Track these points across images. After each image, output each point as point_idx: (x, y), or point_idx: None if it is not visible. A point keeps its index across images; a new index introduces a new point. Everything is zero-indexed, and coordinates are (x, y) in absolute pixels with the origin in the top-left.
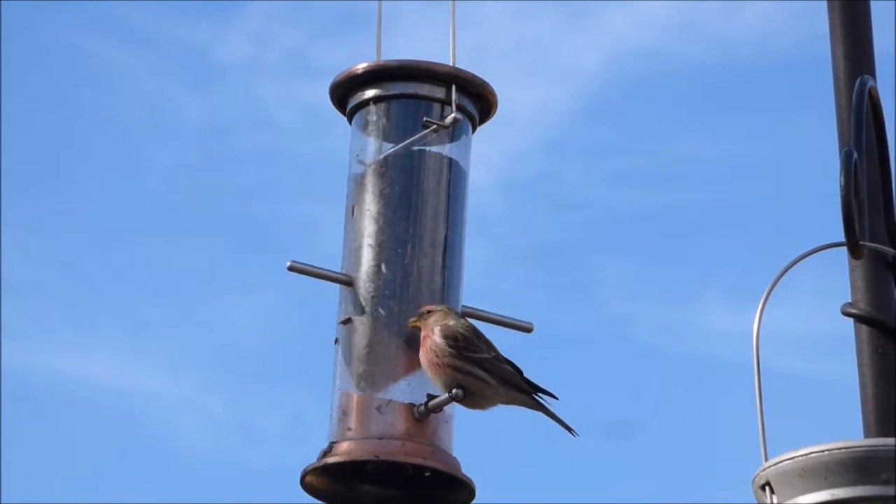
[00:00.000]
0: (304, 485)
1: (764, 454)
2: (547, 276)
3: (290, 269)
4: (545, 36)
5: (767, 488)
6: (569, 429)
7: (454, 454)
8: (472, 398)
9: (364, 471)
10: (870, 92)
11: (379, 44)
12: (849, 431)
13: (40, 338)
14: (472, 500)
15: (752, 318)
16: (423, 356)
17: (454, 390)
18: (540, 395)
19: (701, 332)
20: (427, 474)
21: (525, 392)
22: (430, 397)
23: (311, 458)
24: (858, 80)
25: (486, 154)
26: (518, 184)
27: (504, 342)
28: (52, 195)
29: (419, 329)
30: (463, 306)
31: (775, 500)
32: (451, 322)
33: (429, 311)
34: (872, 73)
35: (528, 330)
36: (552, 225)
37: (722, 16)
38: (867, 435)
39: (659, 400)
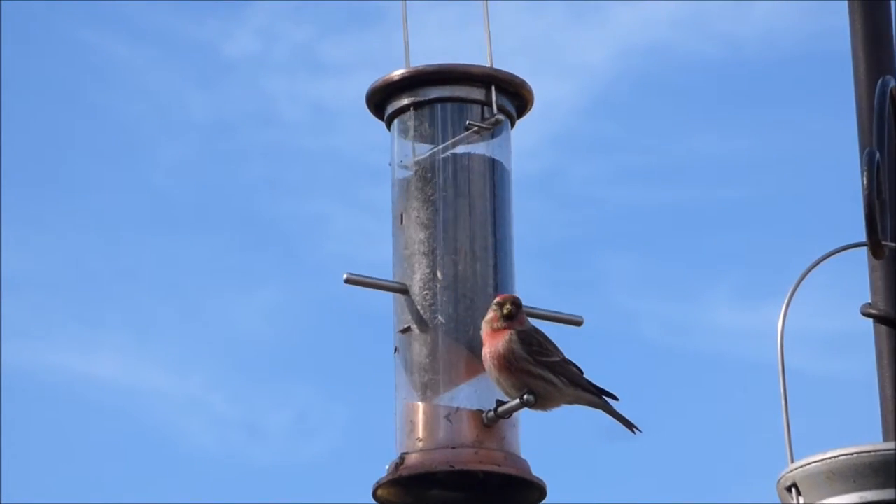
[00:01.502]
0: (376, 498)
1: (790, 455)
2: (553, 272)
3: (347, 281)
4: (553, 32)
5: (794, 490)
6: (630, 426)
7: (523, 456)
8: (541, 402)
9: (435, 479)
10: (891, 92)
11: (406, 46)
12: (867, 431)
13: (45, 335)
14: (543, 499)
15: (761, 315)
16: (493, 359)
17: (526, 396)
18: (604, 396)
19: (708, 330)
20: (480, 477)
21: (590, 392)
22: (500, 403)
23: (315, 456)
24: (880, 80)
25: None
26: (525, 180)
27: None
28: (58, 192)
29: (511, 317)
30: None
31: (802, 502)
32: (527, 327)
33: (514, 305)
34: (893, 74)
35: (578, 323)
36: (558, 221)
37: (730, 12)
38: (886, 435)
39: (665, 398)
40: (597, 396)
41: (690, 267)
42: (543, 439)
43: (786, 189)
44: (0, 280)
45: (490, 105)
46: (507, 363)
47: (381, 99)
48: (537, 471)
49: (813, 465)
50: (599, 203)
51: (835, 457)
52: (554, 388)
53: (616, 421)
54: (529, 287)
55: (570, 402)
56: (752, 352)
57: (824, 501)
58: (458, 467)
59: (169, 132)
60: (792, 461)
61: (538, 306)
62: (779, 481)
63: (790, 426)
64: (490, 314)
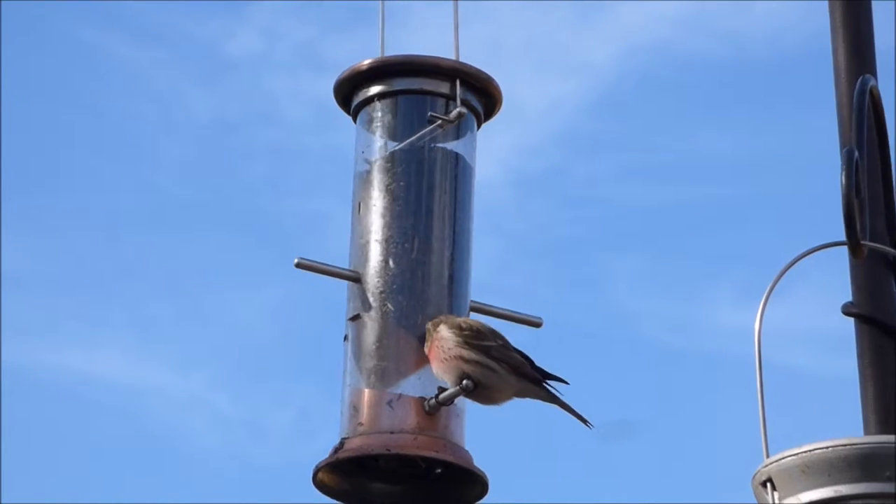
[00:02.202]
0: (316, 482)
1: (765, 450)
2: (556, 271)
3: (298, 265)
4: (557, 31)
5: (769, 485)
6: (584, 421)
7: (466, 448)
8: (483, 391)
9: (376, 467)
10: (871, 91)
11: (382, 40)
12: (849, 429)
13: (47, 334)
14: (484, 494)
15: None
16: (432, 359)
17: (464, 381)
18: (550, 383)
19: (710, 329)
20: (438, 470)
21: (535, 381)
22: (441, 390)
23: (319, 455)
24: (860, 79)
25: (496, 149)
26: (529, 178)
27: (512, 338)
28: (60, 190)
29: (428, 339)
30: (472, 301)
31: (777, 497)
32: (456, 318)
33: (434, 323)
34: (873, 72)
35: (537, 325)
36: (562, 220)
37: (733, 11)
38: (867, 433)
39: (667, 396)
40: (540, 385)
41: (692, 265)
42: (542, 443)
43: (789, 188)
44: (0, 278)
45: (455, 99)
46: (441, 352)
47: (347, 90)
48: (484, 466)
49: (788, 459)
50: (602, 202)
51: (809, 451)
52: (493, 373)
53: (569, 414)
54: (531, 285)
55: (519, 395)
56: (753, 351)
57: (799, 496)
58: (394, 451)
59: (171, 131)
60: (767, 456)
61: (497, 305)
62: (754, 476)
63: (766, 421)
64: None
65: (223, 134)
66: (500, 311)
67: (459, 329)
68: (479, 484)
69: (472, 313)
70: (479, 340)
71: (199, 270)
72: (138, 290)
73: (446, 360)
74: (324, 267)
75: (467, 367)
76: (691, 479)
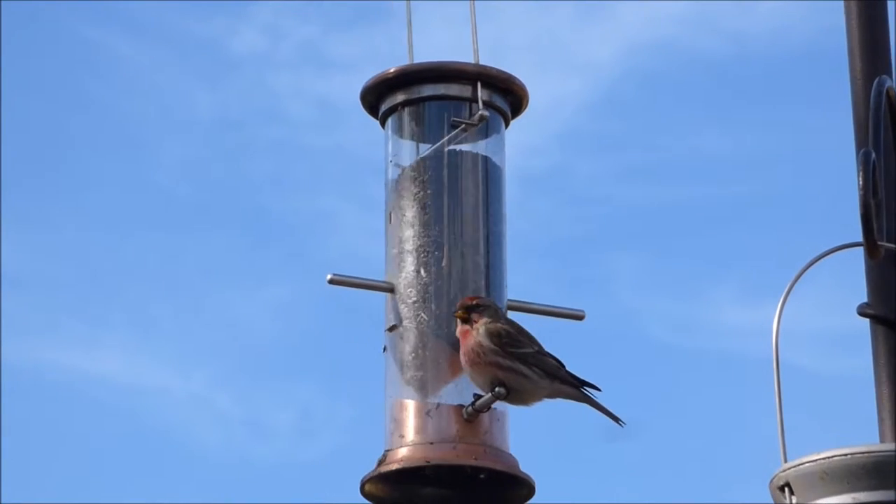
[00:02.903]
0: (364, 493)
1: (783, 455)
2: (558, 270)
3: (331, 281)
4: (559, 30)
5: (787, 489)
6: (616, 419)
7: (510, 451)
8: (516, 394)
9: (424, 475)
10: (887, 92)
11: (410, 45)
12: (864, 429)
13: (48, 333)
14: (531, 496)
15: (765, 313)
16: (465, 356)
17: (497, 388)
18: (585, 388)
19: (713, 328)
20: (482, 475)
21: (569, 384)
22: (477, 397)
23: (318, 455)
24: (876, 80)
25: None
26: (531, 177)
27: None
28: (62, 189)
29: (465, 321)
30: (510, 301)
31: (795, 502)
32: (495, 321)
33: (477, 304)
34: (889, 74)
35: (579, 318)
36: (564, 219)
37: (736, 9)
38: (882, 435)
39: (670, 396)
40: (576, 388)
41: (695, 264)
42: (548, 438)
43: (792, 186)
44: (0, 276)
45: (477, 102)
46: (477, 357)
47: (374, 98)
48: (532, 469)
49: (806, 465)
50: (605, 201)
51: (829, 457)
52: (527, 380)
53: (601, 413)
54: (535, 284)
55: (550, 396)
56: (758, 350)
57: (817, 502)
58: (434, 462)
59: (173, 129)
60: (785, 460)
61: (540, 302)
62: (772, 480)
63: (784, 425)
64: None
65: (226, 132)
66: (541, 308)
67: (499, 336)
68: (525, 486)
69: (510, 312)
70: (516, 348)
71: (201, 269)
72: (139, 289)
73: (481, 364)
74: (357, 281)
75: (501, 374)
76: (696, 478)
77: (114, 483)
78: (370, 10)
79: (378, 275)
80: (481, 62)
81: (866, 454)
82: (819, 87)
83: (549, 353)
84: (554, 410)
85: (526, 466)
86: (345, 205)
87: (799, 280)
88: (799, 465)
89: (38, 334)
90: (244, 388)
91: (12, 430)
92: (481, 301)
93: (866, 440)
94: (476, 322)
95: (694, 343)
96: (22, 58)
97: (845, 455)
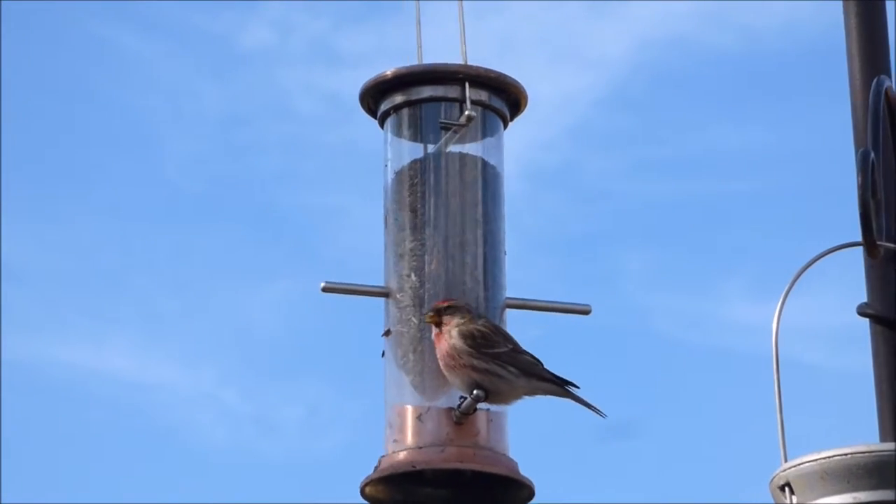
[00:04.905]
0: (366, 496)
1: (783, 455)
2: (567, 265)
3: (325, 289)
4: (571, 24)
5: (787, 489)
6: (598, 411)
7: (508, 453)
8: (494, 395)
9: (424, 477)
10: (886, 92)
11: (420, 45)
12: (863, 426)
13: (54, 329)
14: (531, 497)
15: (772, 309)
16: (441, 359)
17: (475, 391)
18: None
19: (722, 324)
20: (468, 474)
21: (546, 380)
22: (462, 400)
23: (325, 452)
24: (875, 80)
25: (509, 143)
26: (541, 173)
27: (524, 337)
28: (70, 184)
29: (437, 325)
30: (509, 299)
31: (795, 502)
32: (469, 322)
33: (447, 307)
34: (888, 74)
35: (585, 312)
36: (574, 215)
37: (748, 4)
38: (883, 434)
39: (678, 392)
40: (551, 383)
41: (704, 260)
42: (551, 438)
43: (801, 183)
44: (0, 270)
45: (465, 102)
46: (451, 360)
47: (372, 99)
48: (537, 470)
49: (807, 464)
50: (615, 196)
51: (829, 457)
52: (502, 380)
53: (583, 406)
54: (543, 279)
55: (529, 394)
56: (766, 347)
57: (818, 501)
58: (420, 467)
59: (182, 125)
60: (786, 460)
61: (545, 298)
62: (772, 480)
63: (784, 424)
64: None
65: (234, 128)
66: (544, 305)
67: (472, 338)
68: (524, 487)
69: (508, 310)
70: (490, 348)
71: (209, 265)
72: (147, 285)
73: (457, 367)
74: (351, 287)
75: (477, 376)
76: (704, 475)
77: (119, 481)
78: (380, 5)
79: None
80: (491, 63)
81: (867, 454)
82: (831, 83)
83: (525, 351)
84: (557, 410)
85: (529, 468)
86: (354, 201)
87: (799, 279)
88: (799, 464)
89: (44, 330)
90: (252, 385)
91: (15, 428)
92: (453, 303)
93: (866, 439)
94: (447, 325)
95: (702, 339)
96: (30, 53)
97: (846, 455)
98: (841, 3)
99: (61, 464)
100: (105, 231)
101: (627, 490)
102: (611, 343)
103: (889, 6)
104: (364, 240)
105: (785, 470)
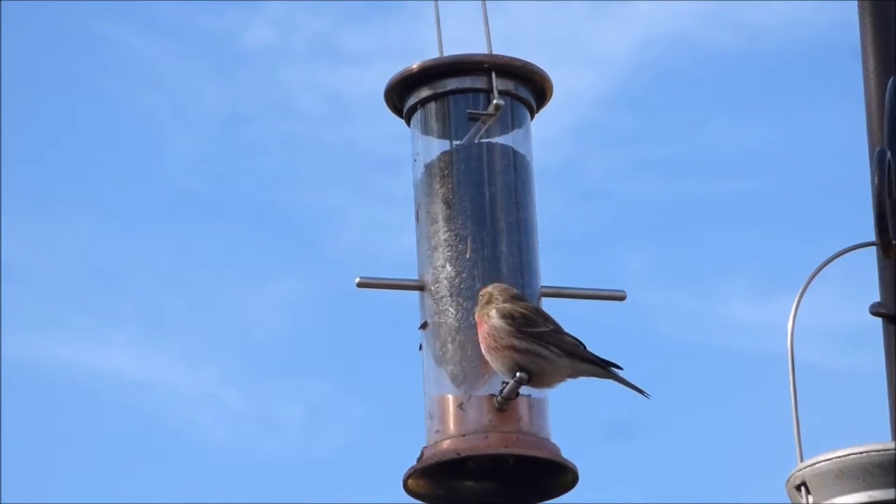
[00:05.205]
0: (408, 490)
1: (799, 454)
2: (569, 264)
3: (360, 285)
4: (574, 22)
5: (803, 489)
6: (642, 392)
7: (550, 438)
8: (537, 377)
9: (466, 469)
10: None
11: (440, 43)
12: (876, 426)
13: (56, 328)
14: (576, 481)
15: (777, 308)
16: (482, 342)
17: (518, 374)
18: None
19: (723, 323)
20: (510, 462)
21: (590, 361)
22: (504, 385)
23: (327, 452)
24: (891, 79)
25: None
26: (544, 171)
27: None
28: (72, 183)
29: (481, 310)
30: (544, 287)
31: (811, 501)
32: (507, 302)
33: (486, 293)
34: None
35: (621, 298)
36: (576, 213)
37: (750, 3)
38: (894, 433)
39: (681, 392)
40: (595, 364)
41: (707, 260)
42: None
43: (804, 182)
44: (0, 271)
45: (493, 92)
46: (493, 341)
47: (397, 96)
48: (578, 455)
49: (822, 463)
50: (617, 195)
51: (844, 456)
52: (545, 360)
53: (627, 388)
54: (545, 279)
55: (572, 376)
56: (769, 345)
57: (834, 500)
58: (464, 453)
59: (184, 123)
60: (801, 460)
61: (578, 286)
62: (788, 480)
63: (800, 425)
64: None
65: (236, 127)
66: (580, 292)
67: (512, 318)
68: (569, 471)
69: (544, 299)
70: (531, 328)
71: (211, 264)
72: (148, 284)
73: (498, 349)
74: (386, 282)
75: (519, 357)
76: (705, 475)
77: (120, 480)
78: (382, 4)
79: (394, 271)
80: (498, 52)
81: (882, 452)
82: (833, 82)
83: (566, 332)
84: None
85: (571, 453)
86: (356, 200)
87: (814, 279)
88: (814, 464)
89: (44, 329)
90: (254, 385)
91: (15, 427)
92: (492, 288)
93: (877, 440)
94: (488, 307)
95: (705, 339)
96: (31, 52)
97: (861, 453)
98: (846, 2)
99: (61, 463)
100: (106, 230)
101: (628, 490)
102: (611, 342)
103: None
104: (366, 238)
105: (801, 470)
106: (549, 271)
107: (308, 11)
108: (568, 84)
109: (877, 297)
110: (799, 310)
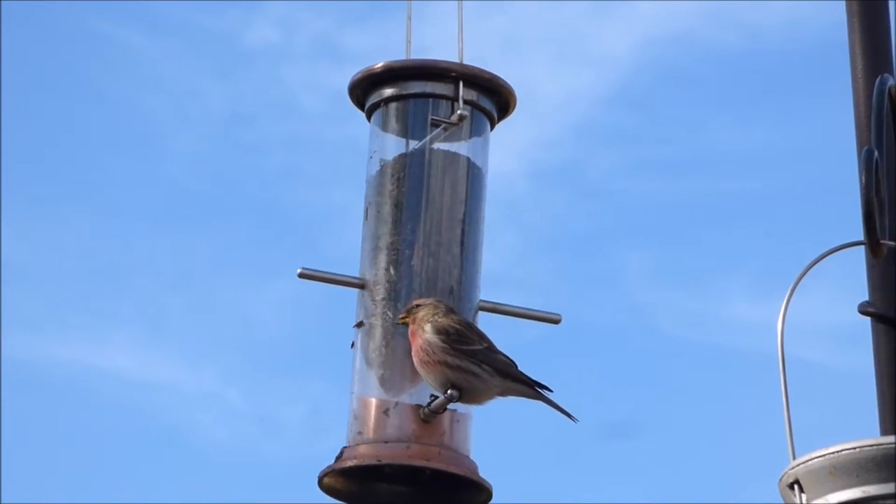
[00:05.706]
0: (323, 487)
1: (791, 452)
2: (572, 264)
3: (301, 276)
4: (574, 23)
5: (796, 486)
6: (569, 415)
7: (469, 454)
8: (467, 394)
9: (382, 472)
10: (889, 91)
11: (409, 40)
12: (865, 424)
13: (56, 328)
14: (489, 500)
15: (777, 308)
16: (415, 355)
17: (449, 391)
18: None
19: (724, 323)
20: (428, 472)
21: (520, 381)
22: (433, 398)
23: (328, 452)
24: (878, 78)
25: (513, 141)
26: (545, 171)
27: (527, 335)
28: (73, 182)
29: (408, 325)
30: (482, 301)
31: (805, 499)
32: (442, 317)
33: (417, 305)
34: (891, 72)
35: (555, 321)
36: (578, 213)
37: (750, 2)
38: (884, 433)
39: (681, 390)
40: (525, 385)
41: (706, 259)
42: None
43: (804, 181)
44: (0, 271)
45: (458, 101)
46: (426, 356)
47: (361, 92)
48: (498, 473)
49: (815, 460)
50: (619, 195)
51: (837, 452)
52: (477, 378)
53: (554, 410)
54: (547, 279)
55: (503, 394)
56: (769, 345)
57: (827, 497)
58: (385, 461)
59: (186, 123)
60: (794, 458)
61: (514, 304)
62: (781, 479)
63: (792, 423)
64: None
65: (238, 126)
66: (515, 310)
67: (446, 334)
68: (483, 490)
69: (481, 313)
70: (465, 345)
71: (212, 263)
72: (150, 284)
73: (430, 364)
74: (327, 276)
75: (451, 374)
76: (706, 475)
77: (121, 480)
78: (384, 4)
79: None
80: (494, 61)
81: (875, 447)
82: (834, 81)
83: (499, 351)
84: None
85: (489, 470)
86: (358, 199)
87: (803, 278)
88: (807, 461)
89: (45, 329)
90: (254, 384)
91: (15, 426)
92: (421, 301)
93: (870, 436)
94: (420, 320)
95: (706, 338)
96: (32, 51)
97: (853, 449)
98: (843, 1)
99: (62, 463)
100: (106, 230)
101: (628, 490)
102: (612, 342)
103: (891, 6)
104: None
105: (793, 467)
106: (546, 272)
107: (309, 11)
108: (569, 84)
109: (866, 297)
110: (791, 309)
